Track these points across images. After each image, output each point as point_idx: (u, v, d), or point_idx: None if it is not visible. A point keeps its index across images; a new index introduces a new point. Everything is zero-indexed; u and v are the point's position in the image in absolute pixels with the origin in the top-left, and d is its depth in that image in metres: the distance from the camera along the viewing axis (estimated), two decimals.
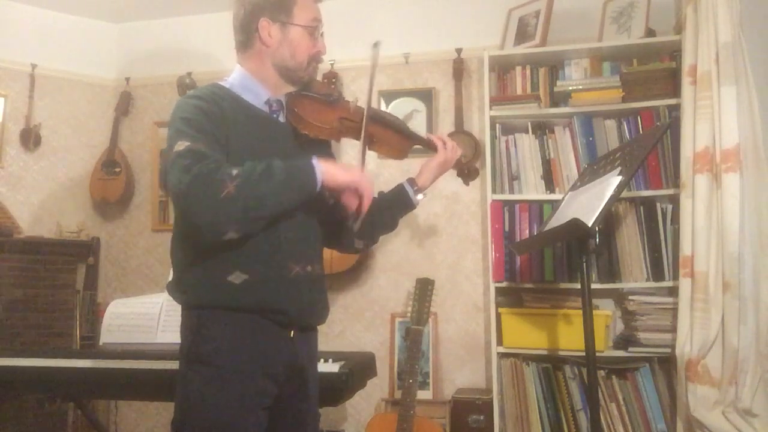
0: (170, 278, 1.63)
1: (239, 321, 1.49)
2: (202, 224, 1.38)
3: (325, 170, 1.47)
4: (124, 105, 3.82)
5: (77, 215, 3.75)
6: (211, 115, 1.49)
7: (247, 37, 1.61)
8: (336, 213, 1.73)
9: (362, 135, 1.65)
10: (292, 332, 1.58)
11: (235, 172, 1.38)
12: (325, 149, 1.78)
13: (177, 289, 1.55)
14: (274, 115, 1.64)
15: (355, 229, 1.56)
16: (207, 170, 1.37)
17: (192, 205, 1.37)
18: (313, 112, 1.63)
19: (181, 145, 1.41)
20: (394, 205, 1.82)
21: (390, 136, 1.77)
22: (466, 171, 1.95)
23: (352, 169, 1.53)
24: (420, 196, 1.83)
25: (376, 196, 1.87)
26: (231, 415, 1.45)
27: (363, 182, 1.50)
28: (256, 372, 1.50)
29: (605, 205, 1.93)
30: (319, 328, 1.74)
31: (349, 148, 3.36)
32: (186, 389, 1.49)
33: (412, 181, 1.83)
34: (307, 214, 1.60)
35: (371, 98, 1.70)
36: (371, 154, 3.43)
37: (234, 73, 1.64)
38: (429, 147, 1.87)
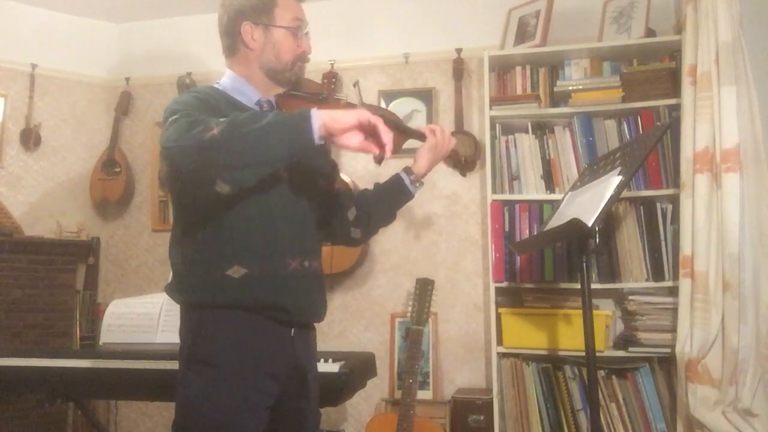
0: (170, 280, 1.64)
1: (239, 320, 1.49)
2: (190, 171, 1.34)
3: (324, 118, 1.30)
4: (124, 105, 3.82)
5: (77, 215, 3.75)
6: (207, 106, 1.50)
7: (232, 41, 1.63)
8: (331, 202, 1.74)
9: None
10: (293, 330, 1.58)
11: (221, 119, 1.35)
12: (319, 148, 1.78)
13: (176, 289, 1.55)
14: None
15: (387, 157, 1.38)
16: (193, 119, 1.36)
17: (179, 153, 1.34)
18: None
19: (174, 118, 1.40)
20: (392, 196, 1.81)
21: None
22: (462, 161, 1.93)
23: (356, 109, 1.41)
24: (417, 186, 1.82)
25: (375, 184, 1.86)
26: (232, 415, 1.45)
27: (371, 116, 1.33)
28: (257, 371, 1.50)
29: (605, 205, 1.93)
30: (319, 327, 1.75)
31: None
32: (186, 390, 1.49)
33: (408, 170, 1.81)
34: (302, 206, 1.61)
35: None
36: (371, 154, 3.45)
37: (225, 77, 1.66)
38: (421, 139, 1.87)
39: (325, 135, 1.32)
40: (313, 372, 1.68)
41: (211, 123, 1.32)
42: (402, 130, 1.83)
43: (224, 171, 1.32)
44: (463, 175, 1.99)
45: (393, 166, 3.45)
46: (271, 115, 1.35)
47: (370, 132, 1.34)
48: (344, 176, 3.30)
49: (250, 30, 1.59)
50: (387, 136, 1.34)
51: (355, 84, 1.72)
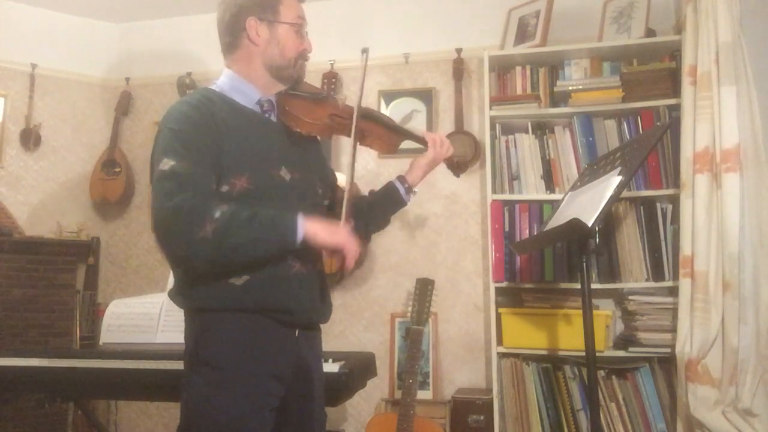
0: (170, 284, 1.63)
1: (243, 322, 1.49)
2: (174, 257, 1.44)
3: (308, 229, 1.45)
4: (124, 105, 3.82)
5: (77, 215, 3.75)
6: (201, 125, 1.48)
7: (234, 38, 1.61)
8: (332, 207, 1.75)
9: (353, 130, 1.65)
10: (297, 332, 1.58)
11: (217, 214, 1.38)
12: (316, 147, 1.79)
13: (179, 294, 1.55)
14: (266, 115, 1.64)
15: (340, 280, 1.58)
16: (189, 205, 1.37)
17: (167, 237, 1.40)
18: (304, 109, 1.63)
19: (166, 164, 1.40)
20: (386, 203, 1.82)
21: (380, 131, 1.78)
22: (456, 163, 1.94)
23: (337, 229, 1.50)
24: (411, 194, 1.84)
25: (368, 196, 1.87)
26: (236, 416, 1.45)
27: (346, 244, 1.48)
28: (262, 373, 1.50)
29: (605, 205, 1.93)
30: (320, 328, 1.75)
31: (347, 145, 3.37)
32: (191, 393, 1.49)
33: (402, 179, 1.83)
34: (305, 209, 1.61)
35: (361, 97, 1.71)
36: (371, 154, 3.46)
37: (222, 77, 1.63)
38: (420, 143, 1.87)
39: (304, 241, 1.45)
40: (318, 373, 1.69)
41: (205, 217, 1.37)
42: (400, 132, 1.84)
43: (209, 264, 1.42)
44: (457, 176, 2.00)
45: (393, 165, 3.44)
46: (262, 221, 1.42)
47: (340, 255, 1.50)
48: (339, 175, 3.30)
49: (255, 25, 1.58)
50: (350, 264, 1.49)
51: (364, 51, 1.71)
